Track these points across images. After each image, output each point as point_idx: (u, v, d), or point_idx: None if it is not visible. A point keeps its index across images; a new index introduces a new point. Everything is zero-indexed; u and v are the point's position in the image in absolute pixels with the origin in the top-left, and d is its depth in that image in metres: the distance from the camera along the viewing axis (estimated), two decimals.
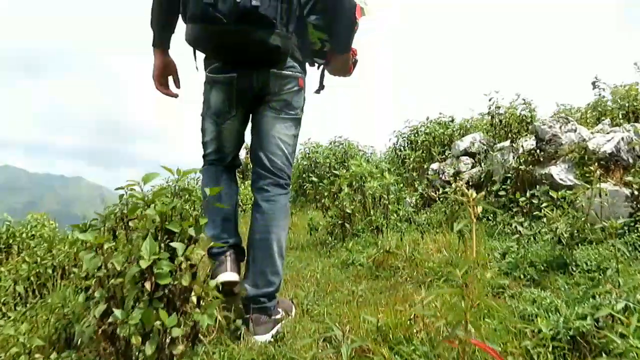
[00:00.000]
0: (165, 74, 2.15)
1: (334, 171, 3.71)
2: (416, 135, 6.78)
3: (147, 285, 1.56)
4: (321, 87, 2.33)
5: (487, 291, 2.29)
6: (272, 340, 1.90)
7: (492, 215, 3.26)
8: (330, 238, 3.45)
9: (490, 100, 4.30)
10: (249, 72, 1.98)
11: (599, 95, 8.82)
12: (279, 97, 2.05)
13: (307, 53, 2.17)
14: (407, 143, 6.72)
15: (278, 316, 2.06)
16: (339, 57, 2.16)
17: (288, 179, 2.15)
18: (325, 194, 3.74)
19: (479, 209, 1.17)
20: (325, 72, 2.31)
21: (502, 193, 3.04)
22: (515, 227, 2.72)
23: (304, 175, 6.77)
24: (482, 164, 3.72)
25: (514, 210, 2.99)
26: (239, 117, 2.12)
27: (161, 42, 2.09)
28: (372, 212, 3.61)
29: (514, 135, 3.35)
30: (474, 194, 1.17)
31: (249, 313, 1.96)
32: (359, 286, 2.63)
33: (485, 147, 4.12)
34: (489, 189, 3.58)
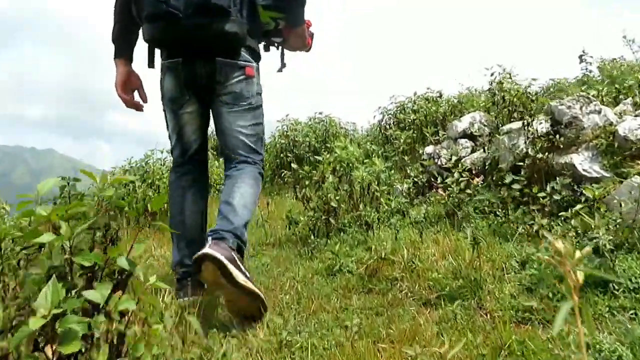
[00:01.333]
0: (127, 85, 2.16)
1: (316, 156, 3.18)
2: (403, 112, 6.27)
3: (48, 352, 1.05)
4: (283, 65, 2.36)
5: (510, 315, 1.84)
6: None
7: (500, 209, 2.80)
8: (312, 236, 2.95)
9: (492, 75, 3.82)
10: (195, 59, 1.99)
11: (586, 70, 8.41)
12: (227, 89, 2.05)
13: (258, 38, 2.19)
14: (394, 121, 6.21)
15: (237, 258, 1.88)
16: (294, 31, 2.21)
17: (258, 160, 2.20)
18: (307, 182, 3.22)
19: (581, 277, 0.67)
20: (286, 50, 2.36)
21: (515, 186, 2.56)
22: (537, 230, 2.26)
23: (281, 155, 6.23)
24: (486, 149, 3.24)
25: (531, 206, 2.52)
26: (194, 103, 2.11)
27: (121, 54, 2.13)
28: (360, 205, 3.12)
29: (526, 117, 2.86)
30: (577, 253, 0.67)
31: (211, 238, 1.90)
32: (348, 302, 2.16)
33: (487, 129, 3.64)
34: (494, 177, 3.12)
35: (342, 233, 3.16)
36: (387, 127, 6.20)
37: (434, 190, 3.54)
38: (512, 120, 3.63)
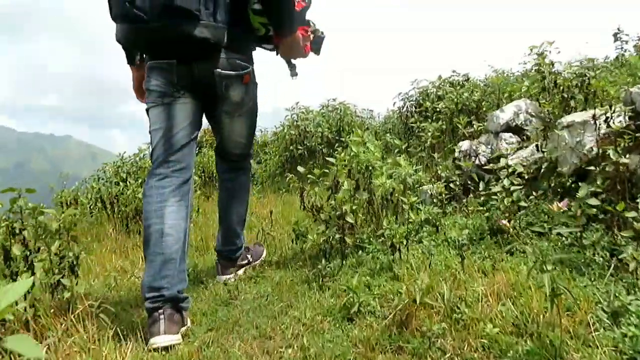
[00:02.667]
0: (142, 89, 2.15)
1: (329, 154, 2.58)
2: (426, 98, 5.60)
3: None
4: (293, 69, 2.30)
5: None
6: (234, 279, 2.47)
7: (566, 227, 2.17)
8: (323, 260, 2.35)
9: (541, 54, 3.14)
10: (188, 62, 1.96)
11: (621, 49, 7.59)
12: (228, 100, 2.09)
13: (250, 42, 2.17)
14: (416, 108, 5.54)
15: (244, 262, 2.65)
16: (285, 41, 2.13)
17: (249, 156, 2.50)
18: (316, 189, 2.62)
19: None
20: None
21: (593, 201, 1.92)
22: (628, 264, 1.63)
23: (291, 147, 5.61)
24: (540, 147, 2.59)
25: (615, 230, 1.89)
26: (186, 99, 2.03)
27: (132, 60, 2.17)
28: (382, 219, 2.51)
29: (597, 107, 2.20)
30: None
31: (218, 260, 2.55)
32: None
33: (536, 120, 2.98)
34: (552, 184, 2.48)
35: (360, 251, 2.57)
36: (409, 115, 5.54)
37: (471, 195, 2.92)
38: (567, 110, 2.96)
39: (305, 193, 2.69)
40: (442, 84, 5.57)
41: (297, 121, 5.74)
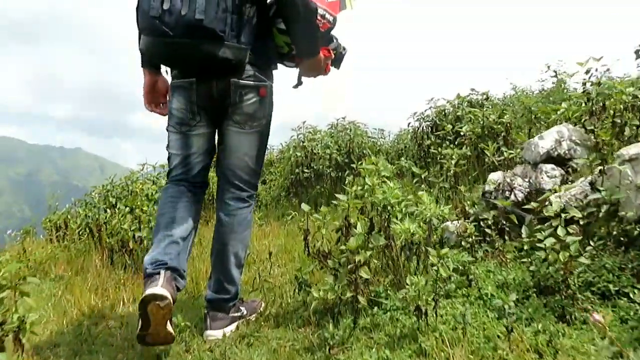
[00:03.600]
0: (154, 93, 2.16)
1: (336, 194, 2.16)
2: (443, 119, 5.15)
3: None
4: (299, 83, 2.27)
5: None
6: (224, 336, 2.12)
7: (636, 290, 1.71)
8: (331, 325, 1.89)
9: (587, 72, 2.70)
10: (209, 79, 1.96)
11: None
12: (241, 110, 2.03)
13: (272, 58, 2.13)
14: (432, 130, 5.09)
15: (237, 314, 2.27)
16: (306, 61, 2.12)
17: (253, 189, 2.22)
18: (323, 232, 2.18)
19: None
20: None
21: None
22: None
23: (297, 170, 5.18)
24: (595, 185, 2.14)
25: None
26: (203, 127, 2.08)
27: (146, 63, 2.11)
28: (402, 269, 2.06)
29: None
30: None
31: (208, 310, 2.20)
32: None
33: (582, 150, 2.53)
34: (613, 231, 2.02)
35: (375, 307, 2.12)
36: (425, 137, 5.10)
37: (507, 238, 2.46)
38: (620, 138, 2.51)
39: (310, 237, 2.25)
40: (461, 102, 5.14)
41: (303, 142, 5.31)
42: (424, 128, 5.21)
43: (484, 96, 5.66)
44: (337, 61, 2.26)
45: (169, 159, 2.19)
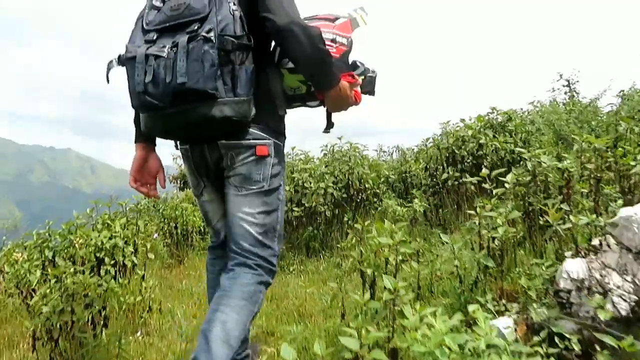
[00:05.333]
0: (143, 172, 1.99)
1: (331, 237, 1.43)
2: (462, 146, 4.27)
3: None
4: (330, 126, 2.09)
5: None
6: None
7: None
8: None
9: None
10: (200, 143, 1.86)
11: None
12: (235, 171, 1.84)
13: (274, 109, 1.87)
14: (449, 161, 4.21)
15: None
16: (328, 94, 1.87)
17: (260, 260, 1.85)
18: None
19: None
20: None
21: None
22: None
23: (284, 208, 4.29)
24: None
25: None
26: (209, 191, 1.98)
27: (137, 139, 1.97)
28: None
29: None
30: None
31: None
32: None
33: None
34: None
35: None
36: (440, 168, 4.22)
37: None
38: None
39: None
40: (483, 127, 4.27)
41: (292, 172, 4.38)
42: (438, 157, 4.33)
43: (506, 116, 4.82)
44: (369, 85, 2.02)
45: None
